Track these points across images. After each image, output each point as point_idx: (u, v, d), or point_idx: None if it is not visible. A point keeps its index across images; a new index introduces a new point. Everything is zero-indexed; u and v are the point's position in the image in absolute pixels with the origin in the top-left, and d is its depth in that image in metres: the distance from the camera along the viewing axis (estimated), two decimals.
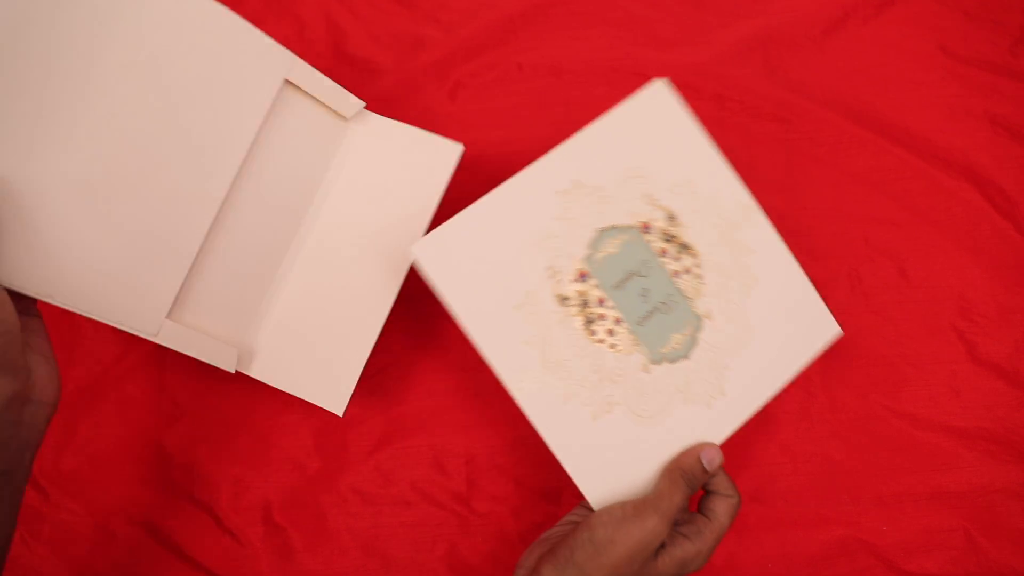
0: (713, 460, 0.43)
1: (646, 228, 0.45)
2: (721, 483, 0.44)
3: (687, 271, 0.45)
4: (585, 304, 0.43)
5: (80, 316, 0.58)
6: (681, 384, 0.45)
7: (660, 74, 0.61)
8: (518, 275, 0.42)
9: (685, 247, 0.45)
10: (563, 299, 0.43)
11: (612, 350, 0.43)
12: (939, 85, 0.60)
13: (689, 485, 0.42)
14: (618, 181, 0.45)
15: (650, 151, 0.45)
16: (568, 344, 0.43)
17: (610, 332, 0.44)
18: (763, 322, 0.46)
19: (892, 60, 0.61)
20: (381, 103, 0.62)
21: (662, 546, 0.41)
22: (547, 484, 0.53)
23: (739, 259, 0.46)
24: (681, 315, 0.45)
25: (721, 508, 0.43)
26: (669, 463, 0.43)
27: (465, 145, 0.47)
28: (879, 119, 0.59)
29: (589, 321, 0.43)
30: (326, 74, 0.64)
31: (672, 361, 0.44)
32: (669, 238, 0.45)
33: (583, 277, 0.43)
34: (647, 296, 0.44)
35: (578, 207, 0.44)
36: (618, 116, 0.45)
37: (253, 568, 0.52)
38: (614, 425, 0.43)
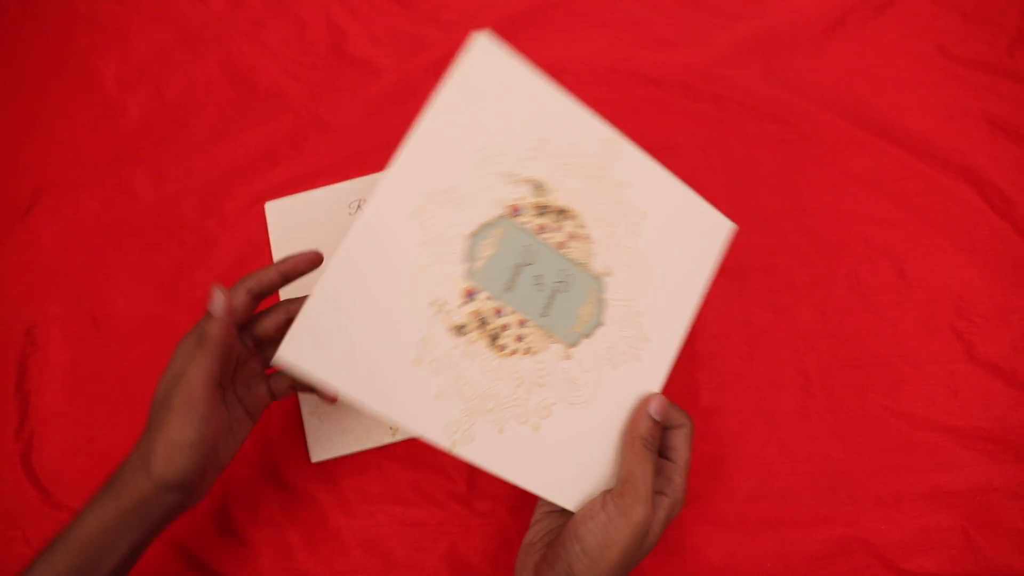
0: (661, 408, 0.42)
1: (515, 211, 0.41)
2: (672, 415, 0.43)
3: (572, 237, 0.42)
4: (483, 323, 0.40)
5: (84, 315, 0.58)
6: (605, 353, 0.42)
7: (660, 75, 0.62)
8: (402, 327, 0.38)
9: (562, 212, 0.42)
10: (459, 329, 0.39)
11: (527, 355, 0.40)
12: (937, 86, 0.60)
13: (653, 449, 0.41)
14: (469, 171, 0.40)
15: (493, 121, 0.41)
16: (482, 373, 0.39)
17: (519, 338, 0.40)
18: (660, 251, 0.44)
19: (890, 61, 0.61)
20: (381, 103, 0.62)
21: None
22: None
23: (619, 199, 0.43)
24: (581, 286, 0.42)
25: (680, 442, 0.42)
26: (625, 435, 0.42)
27: None
28: (877, 120, 0.59)
29: (493, 338, 0.40)
30: (326, 74, 0.64)
31: (588, 335, 0.42)
32: (542, 210, 0.41)
33: (471, 295, 0.40)
34: (542, 282, 0.41)
35: (437, 222, 0.39)
36: (447, 95, 0.40)
37: (254, 568, 0.52)
38: (556, 425, 0.41)
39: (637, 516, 0.39)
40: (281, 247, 0.58)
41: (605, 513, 0.39)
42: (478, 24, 0.64)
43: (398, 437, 0.54)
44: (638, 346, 0.43)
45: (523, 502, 0.53)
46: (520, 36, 0.63)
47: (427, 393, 0.38)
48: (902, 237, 0.57)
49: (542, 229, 0.42)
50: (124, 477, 0.41)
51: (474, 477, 0.54)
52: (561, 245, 0.42)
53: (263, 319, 0.46)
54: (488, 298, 0.40)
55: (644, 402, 0.42)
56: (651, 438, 0.41)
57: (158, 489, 0.40)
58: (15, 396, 0.56)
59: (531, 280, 0.41)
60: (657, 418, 0.42)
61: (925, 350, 0.55)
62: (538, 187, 0.42)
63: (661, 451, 0.43)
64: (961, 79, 0.60)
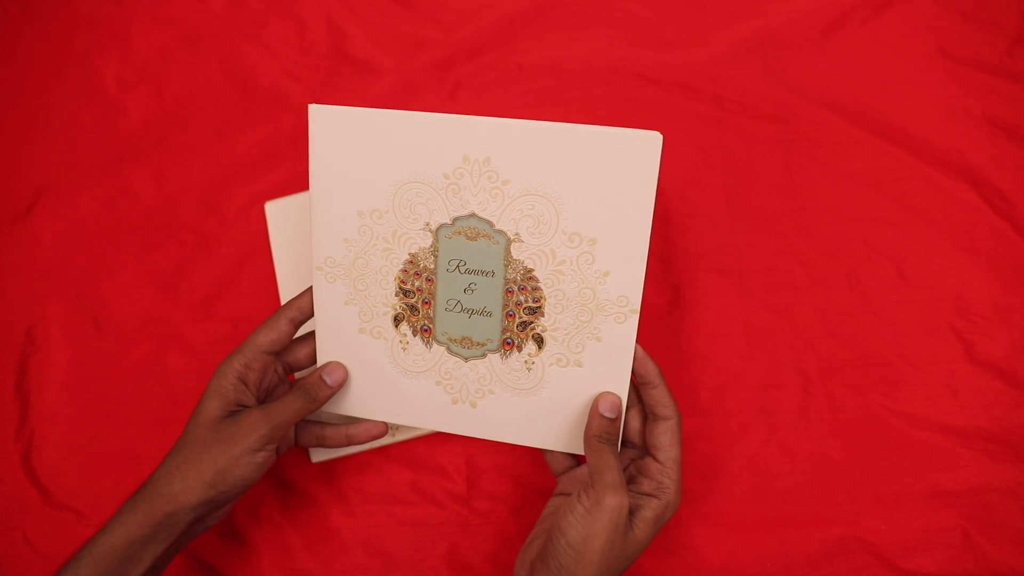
0: (613, 407, 0.43)
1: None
2: (657, 400, 0.43)
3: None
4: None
5: (83, 318, 0.58)
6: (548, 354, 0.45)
7: (660, 75, 0.62)
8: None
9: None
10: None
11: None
12: (937, 86, 0.60)
13: (610, 443, 0.42)
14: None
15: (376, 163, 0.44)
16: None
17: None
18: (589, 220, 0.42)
19: (890, 61, 0.61)
20: (381, 104, 0.62)
21: (631, 512, 0.41)
22: (547, 483, 0.53)
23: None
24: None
25: (666, 439, 0.43)
26: (584, 435, 0.43)
27: None
28: (877, 120, 0.59)
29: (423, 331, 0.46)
30: (326, 74, 0.64)
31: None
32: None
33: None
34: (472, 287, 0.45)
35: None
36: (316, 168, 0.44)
37: (254, 567, 0.53)
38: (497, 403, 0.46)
39: (609, 503, 0.39)
40: (281, 247, 0.58)
41: (581, 505, 0.40)
42: (478, 24, 0.64)
43: (398, 437, 0.54)
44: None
45: (523, 502, 0.53)
46: (520, 37, 0.63)
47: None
48: (902, 237, 0.57)
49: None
50: (156, 490, 0.42)
51: (474, 477, 0.54)
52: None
53: (296, 348, 0.48)
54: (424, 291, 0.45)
55: (595, 403, 0.44)
56: (605, 434, 0.42)
57: (191, 507, 0.42)
58: (15, 396, 0.56)
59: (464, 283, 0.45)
60: (610, 415, 0.43)
61: (925, 350, 0.55)
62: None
63: (648, 450, 0.44)
64: (961, 79, 0.60)
